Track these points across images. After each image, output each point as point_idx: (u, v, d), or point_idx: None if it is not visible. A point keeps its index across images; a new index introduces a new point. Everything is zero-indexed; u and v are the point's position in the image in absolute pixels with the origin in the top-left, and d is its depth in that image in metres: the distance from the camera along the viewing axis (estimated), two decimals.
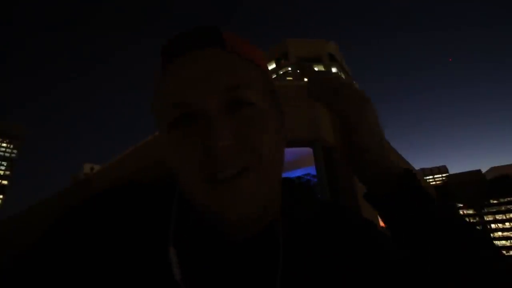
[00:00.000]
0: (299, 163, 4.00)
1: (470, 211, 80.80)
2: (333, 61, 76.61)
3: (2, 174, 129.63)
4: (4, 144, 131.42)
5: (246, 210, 0.29)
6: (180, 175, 0.32)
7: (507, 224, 75.37)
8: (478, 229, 0.32)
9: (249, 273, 0.31)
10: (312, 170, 3.50)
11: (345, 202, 2.85)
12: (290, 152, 3.63)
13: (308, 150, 3.14)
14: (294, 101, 2.90)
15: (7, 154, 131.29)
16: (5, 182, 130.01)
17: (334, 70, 76.42)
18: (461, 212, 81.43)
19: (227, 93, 0.30)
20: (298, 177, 4.74)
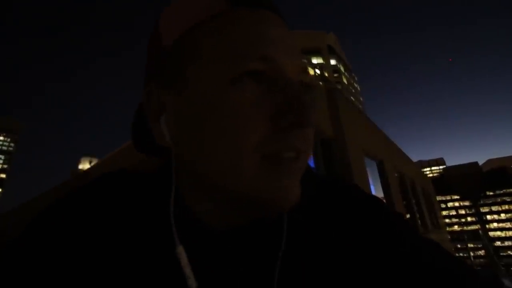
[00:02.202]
0: None
1: (467, 203, 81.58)
2: (332, 53, 76.10)
3: (0, 167, 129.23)
4: (1, 138, 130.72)
5: (296, 201, 0.27)
6: (227, 142, 0.25)
7: (503, 216, 76.30)
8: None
9: (253, 265, 0.28)
10: (310, 161, 3.48)
11: None
12: None
13: None
14: None
15: (4, 148, 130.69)
16: (3, 175, 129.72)
17: (333, 62, 75.94)
18: (458, 204, 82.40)
19: (304, 72, 0.28)
20: None
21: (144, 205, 0.30)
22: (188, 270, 0.25)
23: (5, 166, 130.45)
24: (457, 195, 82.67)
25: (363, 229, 0.31)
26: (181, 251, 0.26)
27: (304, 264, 0.29)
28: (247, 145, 0.25)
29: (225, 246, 0.28)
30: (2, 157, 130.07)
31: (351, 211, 0.33)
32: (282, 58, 0.26)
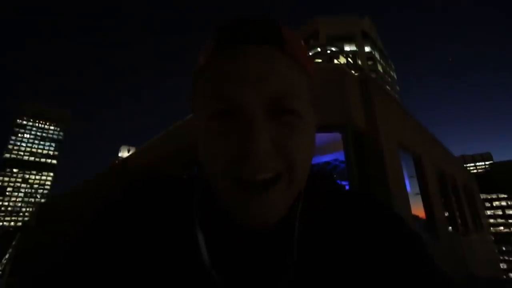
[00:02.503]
0: (328, 148, 3.90)
1: None
2: (366, 38, 71.92)
3: (52, 154, 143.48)
4: (52, 127, 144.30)
5: (270, 220, 0.30)
6: (207, 167, 0.31)
7: None
8: None
9: (267, 261, 0.32)
10: (340, 155, 3.40)
11: (376, 192, 2.75)
12: (319, 137, 3.55)
13: (337, 136, 3.05)
14: (324, 84, 2.79)
15: (55, 136, 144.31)
16: (54, 161, 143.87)
17: (367, 49, 71.86)
18: (505, 203, 75.20)
19: (275, 99, 0.30)
20: (327, 162, 4.64)
21: (179, 201, 0.36)
22: (202, 245, 0.32)
23: (56, 153, 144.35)
24: (505, 194, 75.37)
25: (372, 241, 0.34)
26: (198, 231, 0.33)
27: (314, 275, 0.31)
28: (216, 170, 0.30)
29: (243, 240, 0.32)
30: (54, 144, 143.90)
31: (360, 223, 0.35)
32: (242, 95, 0.29)
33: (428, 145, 5.10)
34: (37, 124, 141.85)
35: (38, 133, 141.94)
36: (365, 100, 3.17)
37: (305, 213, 0.35)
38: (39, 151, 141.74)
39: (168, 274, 0.31)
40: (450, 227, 5.14)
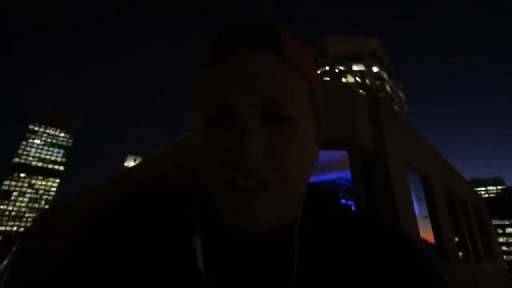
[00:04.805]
0: (333, 166, 3.84)
1: None
2: (374, 59, 72.71)
3: (59, 160, 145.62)
4: (62, 134, 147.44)
5: (258, 226, 0.30)
6: (200, 172, 0.32)
7: None
8: None
9: (266, 270, 0.31)
10: (346, 174, 3.33)
11: (383, 213, 2.66)
12: (324, 155, 3.51)
13: (343, 154, 2.99)
14: (332, 102, 2.78)
15: (64, 143, 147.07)
16: (61, 168, 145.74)
17: (375, 69, 72.45)
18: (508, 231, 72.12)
19: (269, 104, 0.30)
20: (332, 181, 4.56)
21: (180, 208, 0.36)
22: (199, 252, 0.31)
23: (63, 159, 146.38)
24: None
25: (376, 261, 0.34)
26: (196, 237, 0.32)
27: (316, 279, 0.31)
28: (207, 175, 0.30)
29: (240, 247, 0.32)
30: (62, 151, 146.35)
31: (365, 243, 0.35)
32: (235, 100, 0.29)
33: (437, 166, 4.98)
34: (48, 131, 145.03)
35: (48, 140, 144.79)
36: (373, 119, 3.14)
37: (305, 228, 0.34)
38: (47, 157, 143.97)
39: (162, 280, 0.31)
40: (460, 254, 4.91)
